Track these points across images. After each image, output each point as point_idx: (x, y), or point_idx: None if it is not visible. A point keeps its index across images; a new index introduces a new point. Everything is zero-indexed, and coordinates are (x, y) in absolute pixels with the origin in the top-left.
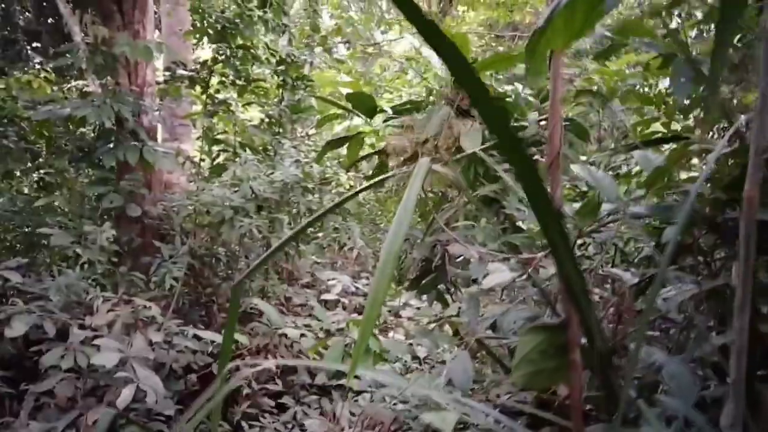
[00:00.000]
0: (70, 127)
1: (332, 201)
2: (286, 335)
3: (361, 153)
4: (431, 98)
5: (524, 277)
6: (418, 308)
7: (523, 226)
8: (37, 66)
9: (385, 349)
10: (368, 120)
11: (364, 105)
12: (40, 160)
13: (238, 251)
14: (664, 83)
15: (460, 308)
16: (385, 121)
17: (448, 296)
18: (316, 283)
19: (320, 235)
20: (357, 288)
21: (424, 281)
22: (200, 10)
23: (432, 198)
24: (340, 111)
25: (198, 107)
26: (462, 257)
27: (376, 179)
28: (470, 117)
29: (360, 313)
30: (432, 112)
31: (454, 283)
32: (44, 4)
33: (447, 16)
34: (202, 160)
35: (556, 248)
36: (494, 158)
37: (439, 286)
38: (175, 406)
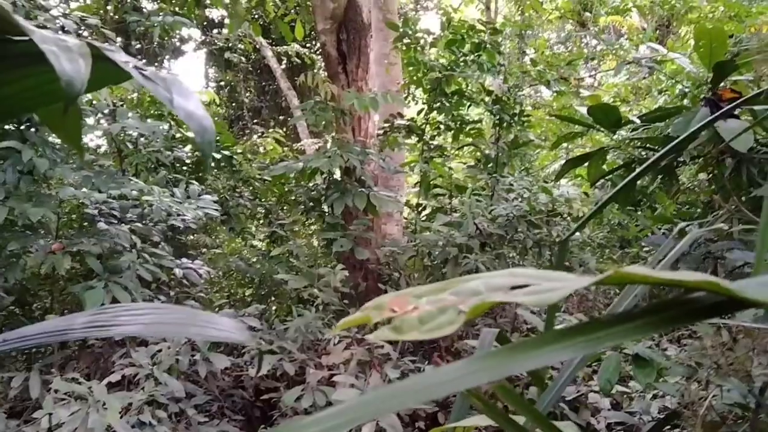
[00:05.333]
0: (301, 181)
1: (562, 233)
2: None
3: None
4: (685, 102)
5: None
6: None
7: None
8: (266, 131)
9: None
10: (610, 136)
11: (608, 117)
12: (271, 216)
13: None
14: None
15: None
16: (633, 131)
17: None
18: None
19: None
20: None
21: None
22: (415, 62)
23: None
24: (577, 130)
25: (413, 154)
26: (738, 268)
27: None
28: (734, 116)
29: None
30: (688, 116)
31: None
32: (264, 84)
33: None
34: (419, 205)
35: None
36: None
37: None
38: None
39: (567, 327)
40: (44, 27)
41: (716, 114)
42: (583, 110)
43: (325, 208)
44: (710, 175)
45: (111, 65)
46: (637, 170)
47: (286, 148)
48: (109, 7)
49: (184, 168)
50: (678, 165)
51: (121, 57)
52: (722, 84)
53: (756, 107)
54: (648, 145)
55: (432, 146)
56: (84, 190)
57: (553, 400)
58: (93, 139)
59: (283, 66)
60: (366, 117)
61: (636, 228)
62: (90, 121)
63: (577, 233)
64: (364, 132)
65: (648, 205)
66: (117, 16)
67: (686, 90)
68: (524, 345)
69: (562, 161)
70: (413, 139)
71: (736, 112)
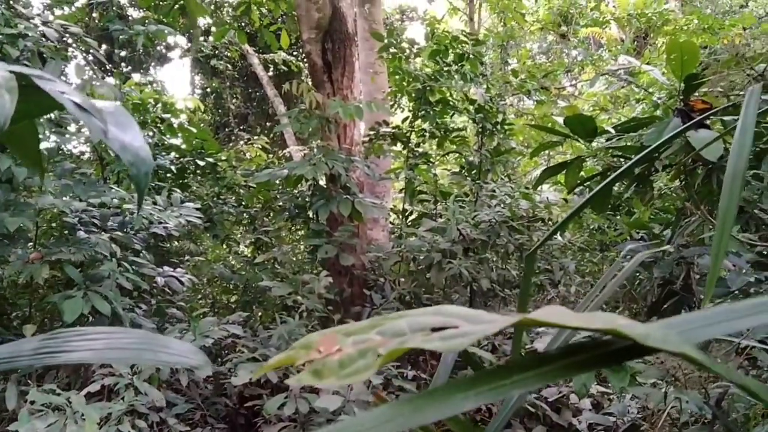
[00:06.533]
0: (287, 188)
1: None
2: None
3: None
4: (658, 113)
5: None
6: None
7: None
8: (252, 138)
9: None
10: (587, 144)
11: (584, 127)
12: (256, 222)
13: (441, 295)
14: None
15: None
16: (608, 140)
17: None
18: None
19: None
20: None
21: (665, 306)
22: (400, 71)
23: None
24: (555, 139)
25: (398, 162)
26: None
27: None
28: (705, 126)
29: None
30: (660, 126)
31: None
32: (250, 91)
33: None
34: (404, 211)
35: None
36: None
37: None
38: None
39: (479, 373)
40: (25, 35)
41: (687, 124)
42: (561, 120)
43: (311, 214)
44: (683, 183)
45: (45, 95)
46: (608, 179)
47: (271, 155)
48: (94, 15)
49: (168, 175)
50: (652, 173)
51: (54, 86)
52: (695, 94)
53: (726, 117)
54: (624, 153)
55: (417, 153)
56: (64, 198)
57: (501, 424)
58: (77, 146)
59: (270, 73)
60: (351, 125)
61: (614, 233)
62: (72, 128)
63: (558, 237)
64: (349, 140)
65: (626, 210)
66: (101, 24)
67: (659, 101)
68: (439, 392)
69: (544, 168)
70: (398, 147)
71: (707, 123)
